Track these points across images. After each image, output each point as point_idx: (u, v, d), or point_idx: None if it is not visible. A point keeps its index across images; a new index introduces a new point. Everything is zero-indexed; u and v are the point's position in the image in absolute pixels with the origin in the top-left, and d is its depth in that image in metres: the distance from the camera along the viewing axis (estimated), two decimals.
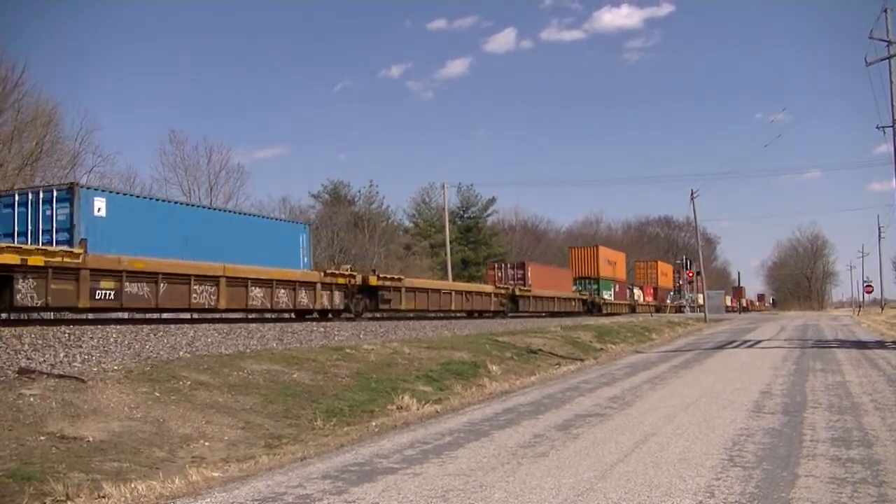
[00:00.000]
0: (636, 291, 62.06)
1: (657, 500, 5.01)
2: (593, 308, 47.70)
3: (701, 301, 72.46)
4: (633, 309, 57.34)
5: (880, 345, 22.60)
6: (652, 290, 67.51)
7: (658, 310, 62.68)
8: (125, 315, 19.73)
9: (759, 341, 25.55)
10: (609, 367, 16.32)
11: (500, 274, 38.82)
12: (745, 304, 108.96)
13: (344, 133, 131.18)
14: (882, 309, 73.20)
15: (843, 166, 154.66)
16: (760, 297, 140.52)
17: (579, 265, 50.47)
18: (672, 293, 75.85)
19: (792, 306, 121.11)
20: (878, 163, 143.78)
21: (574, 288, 47.17)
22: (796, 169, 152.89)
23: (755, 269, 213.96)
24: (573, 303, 45.35)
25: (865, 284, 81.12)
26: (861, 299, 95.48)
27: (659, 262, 74.94)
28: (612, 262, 54.03)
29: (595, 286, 49.39)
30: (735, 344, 24.36)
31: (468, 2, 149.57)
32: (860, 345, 22.54)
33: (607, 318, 40.26)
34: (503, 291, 34.53)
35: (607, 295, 51.70)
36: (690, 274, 68.81)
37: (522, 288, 36.83)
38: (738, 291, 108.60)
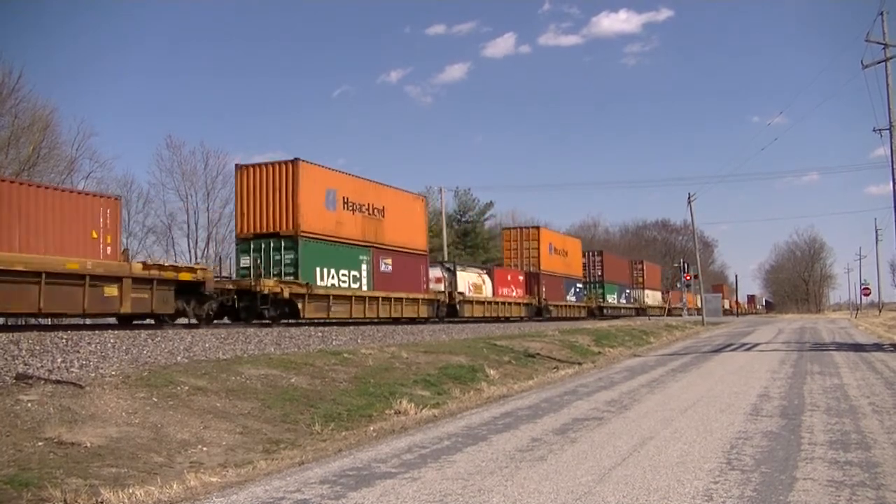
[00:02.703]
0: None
1: None
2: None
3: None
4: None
5: (878, 347, 22.62)
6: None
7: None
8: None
9: (757, 344, 25.57)
10: (607, 370, 16.33)
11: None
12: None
13: (342, 138, 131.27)
14: (879, 312, 73.28)
15: (841, 169, 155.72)
16: (751, 299, 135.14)
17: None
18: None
19: (789, 309, 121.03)
20: (875, 166, 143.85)
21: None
22: (794, 172, 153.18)
23: (753, 272, 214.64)
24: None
25: (863, 287, 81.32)
26: (858, 302, 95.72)
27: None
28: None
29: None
30: (733, 347, 24.38)
31: (467, 7, 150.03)
32: (858, 348, 22.56)
33: (605, 322, 39.92)
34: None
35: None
36: (688, 277, 68.76)
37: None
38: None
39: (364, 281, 23.88)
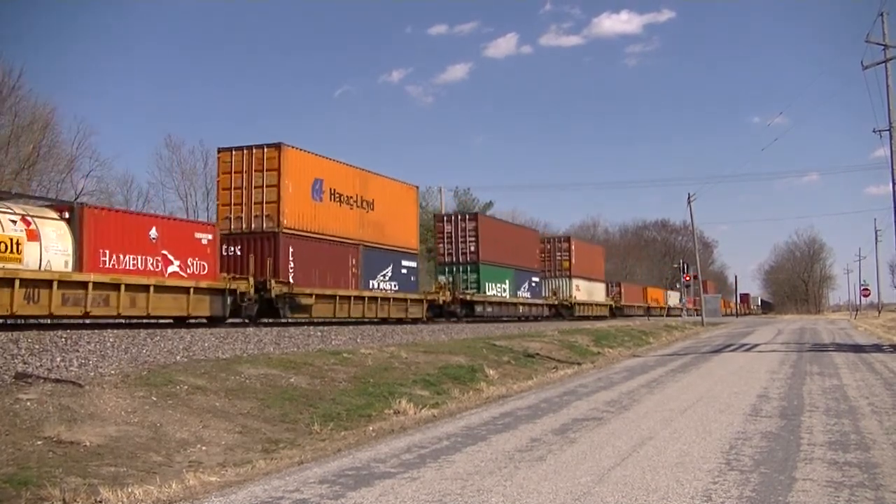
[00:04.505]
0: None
1: None
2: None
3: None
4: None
5: (877, 348, 22.63)
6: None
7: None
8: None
9: (756, 345, 25.58)
10: (606, 371, 16.33)
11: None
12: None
13: (343, 137, 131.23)
14: (879, 312, 73.32)
15: (841, 170, 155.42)
16: (744, 298, 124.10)
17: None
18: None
19: (789, 310, 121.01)
20: (875, 166, 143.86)
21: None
22: (794, 172, 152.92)
23: (752, 272, 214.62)
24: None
25: (862, 288, 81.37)
26: (858, 303, 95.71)
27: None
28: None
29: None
30: (732, 348, 24.38)
31: (469, 7, 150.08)
32: (857, 348, 22.57)
33: (605, 322, 39.79)
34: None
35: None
36: (687, 277, 68.76)
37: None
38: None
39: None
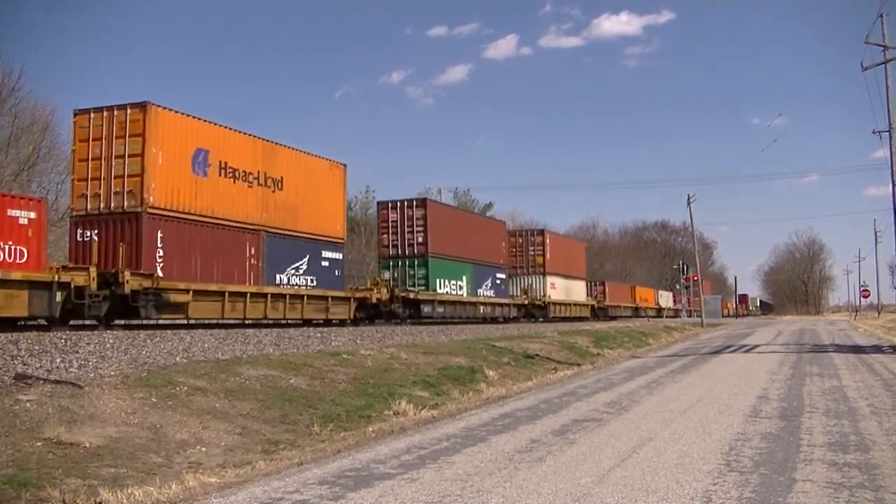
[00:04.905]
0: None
1: None
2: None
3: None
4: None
5: (877, 349, 22.63)
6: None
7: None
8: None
9: (756, 346, 25.58)
10: (606, 371, 16.33)
11: None
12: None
13: (343, 138, 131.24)
14: (879, 313, 73.32)
15: (840, 171, 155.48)
16: (742, 299, 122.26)
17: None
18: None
19: (788, 311, 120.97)
20: (875, 167, 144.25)
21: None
22: (793, 173, 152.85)
23: (752, 273, 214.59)
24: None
25: (862, 289, 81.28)
26: (858, 304, 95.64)
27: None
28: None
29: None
30: (732, 349, 24.38)
31: (469, 9, 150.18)
32: (857, 349, 22.57)
33: (604, 324, 39.55)
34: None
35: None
36: (687, 279, 68.73)
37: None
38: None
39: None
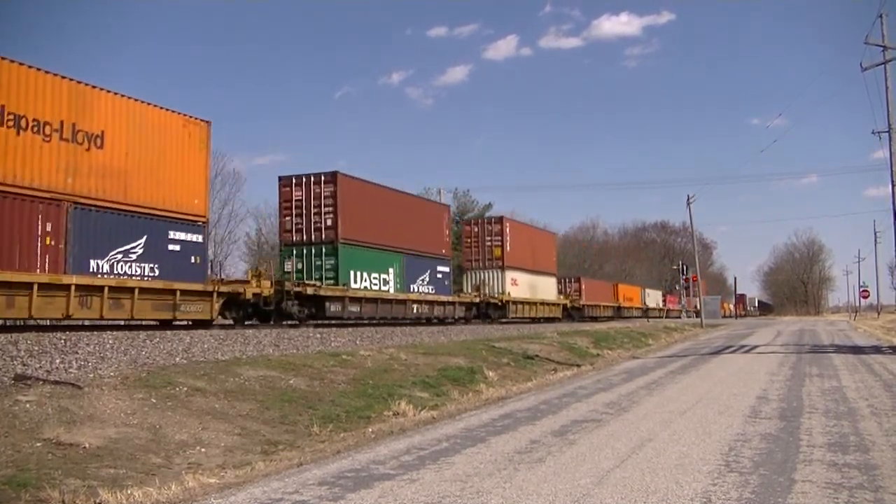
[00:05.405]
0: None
1: None
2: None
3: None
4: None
5: (877, 350, 22.63)
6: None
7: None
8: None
9: (756, 346, 25.58)
10: (605, 372, 16.33)
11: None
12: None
13: (343, 139, 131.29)
14: (878, 314, 73.36)
15: (840, 171, 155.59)
16: (740, 299, 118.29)
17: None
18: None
19: (788, 311, 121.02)
20: (874, 168, 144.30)
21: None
22: (793, 174, 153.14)
23: (752, 274, 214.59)
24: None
25: (862, 289, 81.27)
26: (857, 304, 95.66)
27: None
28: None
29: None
30: (731, 349, 24.38)
31: (469, 9, 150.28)
32: (856, 350, 22.57)
33: (604, 324, 39.54)
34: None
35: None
36: (687, 280, 68.75)
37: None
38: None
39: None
